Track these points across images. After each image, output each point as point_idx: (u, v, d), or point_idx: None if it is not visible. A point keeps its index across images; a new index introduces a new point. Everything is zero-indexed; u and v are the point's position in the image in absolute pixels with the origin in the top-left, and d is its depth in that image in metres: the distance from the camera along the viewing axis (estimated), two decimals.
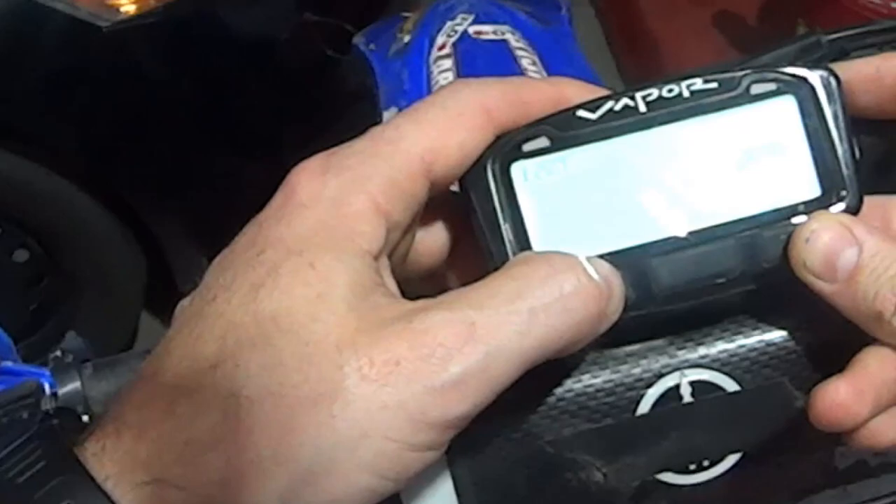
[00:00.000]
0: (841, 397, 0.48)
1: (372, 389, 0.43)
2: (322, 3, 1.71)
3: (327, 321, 0.45)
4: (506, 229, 0.51)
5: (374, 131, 0.50)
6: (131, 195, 2.03)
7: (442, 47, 1.27)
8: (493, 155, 0.51)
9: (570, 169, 0.51)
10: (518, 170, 0.51)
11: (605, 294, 0.48)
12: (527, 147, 0.51)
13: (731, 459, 0.53)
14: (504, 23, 1.31)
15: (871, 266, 0.48)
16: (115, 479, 0.44)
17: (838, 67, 0.53)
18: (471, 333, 0.44)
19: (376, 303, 0.46)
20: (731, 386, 0.52)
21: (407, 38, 1.32)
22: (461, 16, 1.31)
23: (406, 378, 0.44)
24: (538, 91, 0.52)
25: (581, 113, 0.51)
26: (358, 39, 1.41)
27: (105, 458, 0.45)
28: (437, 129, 0.50)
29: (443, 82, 1.18)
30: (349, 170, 0.48)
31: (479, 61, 1.24)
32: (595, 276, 0.47)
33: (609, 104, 0.51)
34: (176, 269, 2.13)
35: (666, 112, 0.51)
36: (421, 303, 0.46)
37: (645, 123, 0.51)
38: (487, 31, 1.29)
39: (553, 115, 0.52)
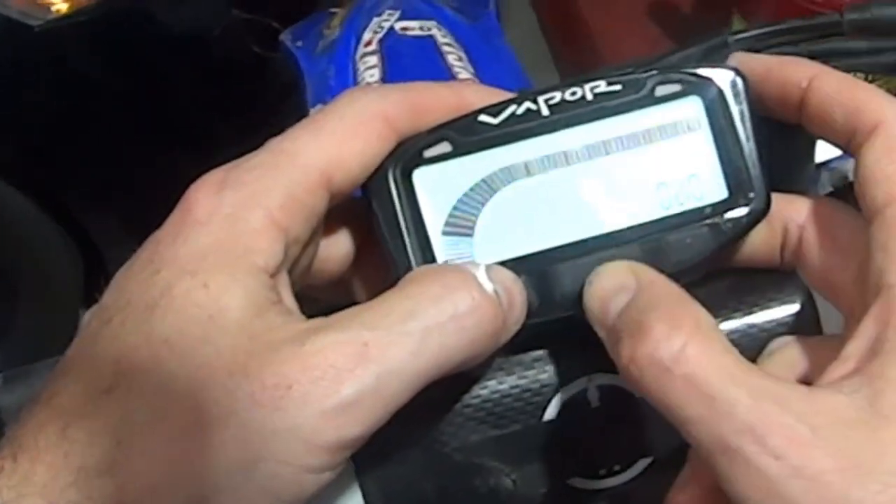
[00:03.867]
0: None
1: (264, 414, 0.43)
2: (250, 0, 1.71)
3: (219, 344, 0.44)
4: (408, 238, 0.51)
5: (272, 144, 0.49)
6: (65, 193, 2.01)
7: (368, 44, 1.26)
8: (395, 162, 0.51)
9: (473, 174, 0.51)
10: (420, 176, 0.51)
11: (503, 308, 0.47)
12: (428, 153, 0.51)
13: (642, 464, 0.53)
14: (430, 18, 1.30)
15: (629, 312, 0.47)
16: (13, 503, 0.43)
17: (733, 58, 0.53)
18: (363, 354, 0.44)
19: (270, 323, 0.45)
20: None
21: (333, 36, 1.31)
22: (387, 12, 1.30)
23: (298, 401, 0.43)
24: (438, 96, 0.52)
25: (483, 118, 0.51)
26: (285, 37, 1.39)
27: (1, 483, 0.43)
28: (336, 139, 0.49)
29: (368, 79, 1.17)
30: (246, 185, 0.48)
31: (405, 58, 1.24)
32: (490, 290, 0.47)
33: (511, 108, 0.51)
34: (112, 269, 2.11)
35: (569, 115, 0.51)
36: (314, 322, 0.46)
37: (548, 127, 0.51)
38: (413, 27, 1.28)
39: (455, 120, 0.51)
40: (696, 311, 0.46)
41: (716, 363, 0.43)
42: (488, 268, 0.48)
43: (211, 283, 0.45)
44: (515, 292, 0.48)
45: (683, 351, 0.43)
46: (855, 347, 0.45)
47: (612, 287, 0.49)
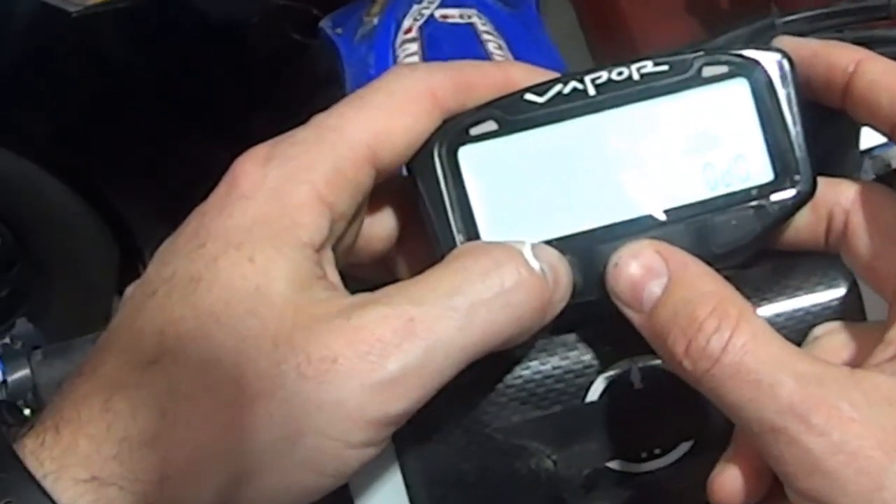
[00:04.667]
0: (738, 484, 0.47)
1: (309, 387, 0.43)
2: None
3: (265, 316, 0.44)
4: (453, 215, 0.51)
5: (318, 119, 0.49)
6: (101, 180, 2.01)
7: (408, 31, 1.26)
8: (440, 139, 0.51)
9: (518, 153, 0.51)
10: (465, 154, 0.51)
11: (549, 285, 0.47)
12: (474, 131, 0.51)
13: (683, 448, 0.52)
14: (470, 6, 1.30)
15: (672, 302, 0.47)
16: (55, 475, 0.43)
17: (779, 42, 0.52)
18: (409, 329, 0.44)
19: (315, 297, 0.45)
20: None
21: (373, 22, 1.31)
22: None
23: (344, 375, 0.43)
24: (485, 74, 0.52)
25: (529, 96, 0.51)
26: (324, 23, 1.40)
27: (44, 455, 0.43)
28: (382, 114, 0.49)
29: None
30: (292, 160, 0.47)
31: (445, 45, 1.24)
32: (537, 267, 0.47)
33: (557, 87, 0.51)
34: (147, 255, 2.12)
35: (615, 95, 0.51)
36: (360, 297, 0.46)
37: (594, 107, 0.51)
38: (454, 14, 1.28)
39: (501, 98, 0.51)
40: (738, 299, 0.46)
41: (761, 349, 0.44)
42: (534, 246, 0.48)
43: (257, 257, 0.45)
44: (561, 271, 0.48)
45: (732, 340, 0.44)
46: None
47: (640, 271, 0.48)
